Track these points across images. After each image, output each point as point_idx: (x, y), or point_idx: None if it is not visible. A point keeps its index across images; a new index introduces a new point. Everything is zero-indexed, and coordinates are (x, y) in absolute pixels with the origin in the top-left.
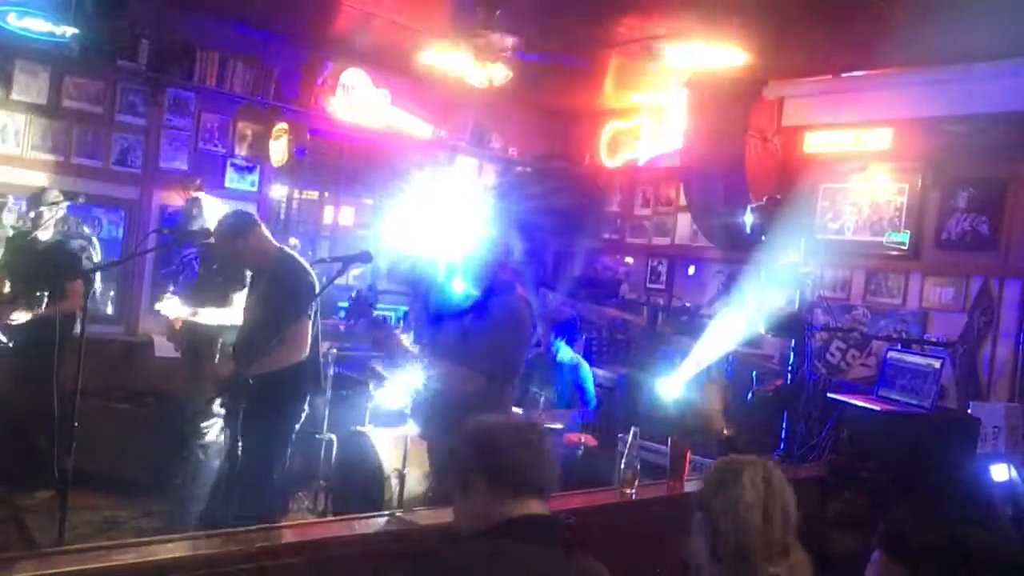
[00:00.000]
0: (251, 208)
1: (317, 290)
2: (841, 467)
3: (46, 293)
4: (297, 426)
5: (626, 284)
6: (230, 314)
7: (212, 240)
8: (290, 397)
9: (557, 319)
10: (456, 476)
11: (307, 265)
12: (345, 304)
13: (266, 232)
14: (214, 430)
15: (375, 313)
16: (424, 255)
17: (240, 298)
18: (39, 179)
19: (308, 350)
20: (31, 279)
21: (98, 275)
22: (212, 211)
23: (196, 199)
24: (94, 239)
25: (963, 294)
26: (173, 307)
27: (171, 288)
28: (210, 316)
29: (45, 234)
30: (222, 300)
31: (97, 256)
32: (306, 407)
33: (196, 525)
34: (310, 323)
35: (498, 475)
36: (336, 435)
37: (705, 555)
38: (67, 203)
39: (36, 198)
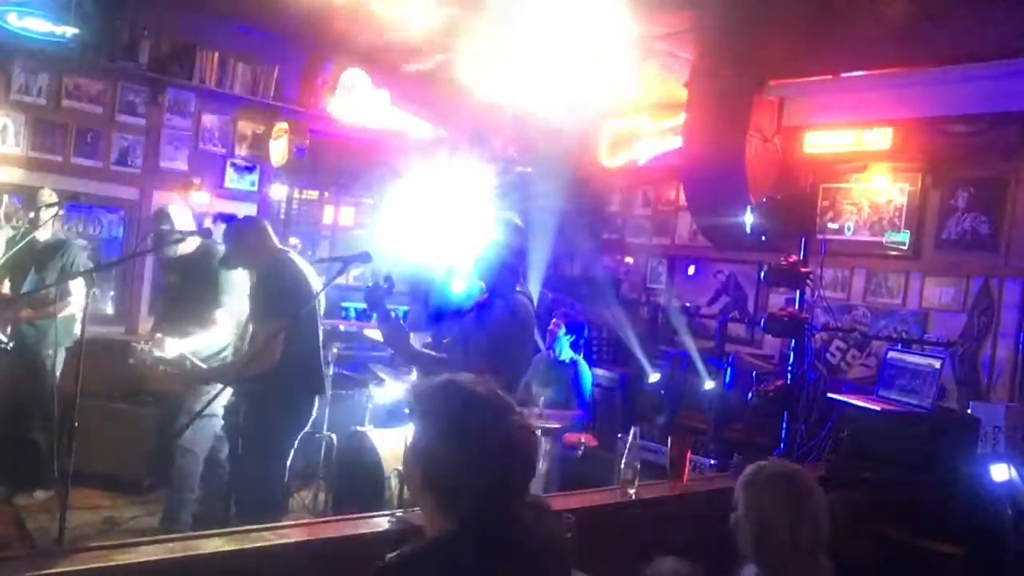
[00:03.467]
0: (251, 208)
1: (307, 297)
2: (841, 467)
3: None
4: (300, 432)
5: (626, 284)
6: (214, 336)
7: (175, 250)
8: (280, 404)
9: (569, 318)
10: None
11: (297, 272)
12: (350, 305)
13: (268, 238)
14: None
15: (388, 307)
16: (424, 256)
17: (223, 314)
18: (39, 179)
19: (278, 358)
20: (31, 279)
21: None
22: (182, 220)
23: (162, 210)
24: (82, 243)
25: (963, 294)
26: (170, 346)
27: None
28: (198, 342)
29: (44, 234)
30: (201, 320)
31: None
32: (312, 412)
33: (195, 525)
34: (282, 333)
35: None
36: (336, 435)
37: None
38: (66, 203)
39: (32, 198)
